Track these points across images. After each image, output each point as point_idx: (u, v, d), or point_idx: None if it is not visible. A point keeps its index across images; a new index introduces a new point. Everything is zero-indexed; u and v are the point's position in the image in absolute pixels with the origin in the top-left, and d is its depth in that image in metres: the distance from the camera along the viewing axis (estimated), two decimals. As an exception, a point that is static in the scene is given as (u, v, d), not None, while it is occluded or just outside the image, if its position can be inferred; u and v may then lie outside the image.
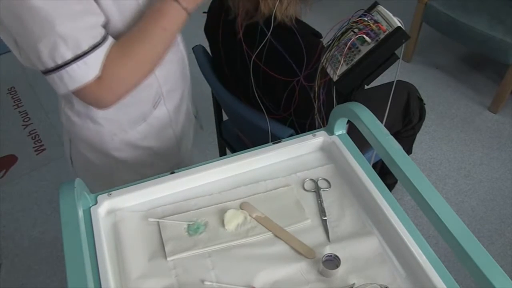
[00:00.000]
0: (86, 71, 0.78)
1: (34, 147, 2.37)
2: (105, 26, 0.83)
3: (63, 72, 0.77)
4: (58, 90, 0.80)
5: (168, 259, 0.81)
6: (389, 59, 1.03)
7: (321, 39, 1.26)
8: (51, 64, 0.76)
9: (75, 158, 1.15)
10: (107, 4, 0.82)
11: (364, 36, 1.02)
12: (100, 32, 0.80)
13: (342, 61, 1.06)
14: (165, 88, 1.08)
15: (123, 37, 0.85)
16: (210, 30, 1.40)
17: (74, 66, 0.77)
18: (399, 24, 0.98)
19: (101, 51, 0.80)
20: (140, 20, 0.86)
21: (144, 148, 1.12)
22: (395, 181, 1.97)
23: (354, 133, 0.97)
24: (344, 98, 1.11)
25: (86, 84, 0.80)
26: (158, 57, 0.90)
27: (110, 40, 0.82)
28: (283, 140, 0.98)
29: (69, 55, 0.76)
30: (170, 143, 1.18)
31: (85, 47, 0.77)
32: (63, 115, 1.06)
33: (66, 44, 0.75)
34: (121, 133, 1.06)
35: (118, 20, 0.85)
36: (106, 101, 0.85)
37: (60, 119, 1.08)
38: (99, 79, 0.80)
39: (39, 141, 2.41)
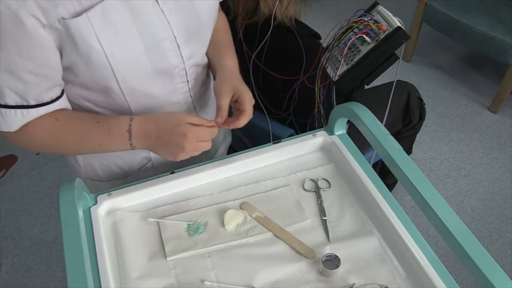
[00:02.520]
0: (0, 121, 0.77)
1: (34, 147, 2.37)
2: (54, 88, 0.79)
3: None
4: None
5: (168, 259, 0.81)
6: (389, 59, 1.03)
7: (320, 41, 1.26)
8: None
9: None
10: (75, 59, 0.77)
11: (364, 36, 1.02)
12: (35, 98, 0.77)
13: (342, 61, 1.06)
14: (154, 154, 0.98)
15: (67, 118, 0.83)
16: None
17: None
18: (399, 24, 0.98)
19: (24, 115, 0.77)
20: (90, 119, 0.84)
21: None
22: (395, 181, 1.97)
23: (354, 133, 0.97)
24: (344, 98, 1.11)
25: None
26: (79, 153, 0.97)
27: (43, 110, 0.79)
28: (283, 140, 0.98)
29: None
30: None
31: (8, 101, 0.75)
32: None
33: None
34: (97, 180, 1.03)
35: (86, 74, 0.80)
36: (14, 144, 0.84)
37: None
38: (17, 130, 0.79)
39: (39, 141, 2.41)
